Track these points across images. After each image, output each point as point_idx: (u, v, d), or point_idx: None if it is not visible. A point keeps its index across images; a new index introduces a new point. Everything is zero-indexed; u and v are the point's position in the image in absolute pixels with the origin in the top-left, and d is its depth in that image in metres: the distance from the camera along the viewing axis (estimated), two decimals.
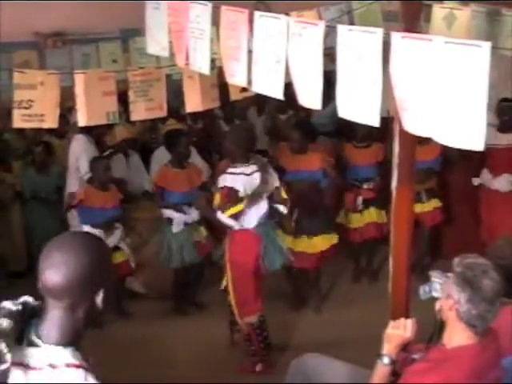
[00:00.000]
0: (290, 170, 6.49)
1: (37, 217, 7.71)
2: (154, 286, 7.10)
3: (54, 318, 2.06)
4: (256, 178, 5.46)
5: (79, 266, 2.02)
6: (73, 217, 6.99)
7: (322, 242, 6.63)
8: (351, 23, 5.61)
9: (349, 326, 6.14)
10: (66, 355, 2.01)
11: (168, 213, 6.60)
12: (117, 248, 6.52)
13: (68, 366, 1.99)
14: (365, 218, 7.21)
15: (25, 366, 1.98)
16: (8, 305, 2.06)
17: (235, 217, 5.44)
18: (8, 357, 1.92)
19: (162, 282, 6.95)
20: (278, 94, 3.34)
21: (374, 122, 2.89)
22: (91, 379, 1.99)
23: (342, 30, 2.99)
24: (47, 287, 2.04)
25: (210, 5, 3.79)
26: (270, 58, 3.33)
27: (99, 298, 2.10)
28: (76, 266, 2.01)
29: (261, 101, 8.50)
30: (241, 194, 5.40)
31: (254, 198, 5.44)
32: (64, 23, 9.31)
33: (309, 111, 7.16)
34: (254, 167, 5.49)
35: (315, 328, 6.30)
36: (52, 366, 1.98)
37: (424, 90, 2.61)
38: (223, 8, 3.68)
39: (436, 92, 2.54)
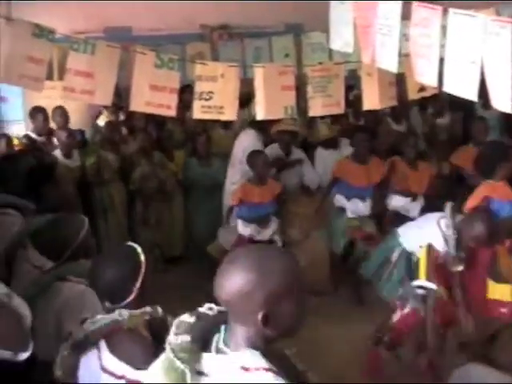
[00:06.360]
0: None
1: (196, 206, 7.77)
2: (311, 282, 7.01)
3: (234, 328, 2.02)
4: None
5: (245, 282, 1.93)
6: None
7: None
8: None
9: None
10: (256, 359, 1.96)
11: (341, 201, 6.61)
12: (270, 242, 6.52)
13: (258, 369, 1.94)
14: None
15: (215, 372, 1.97)
16: (186, 318, 2.06)
17: None
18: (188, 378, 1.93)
19: (318, 277, 6.84)
20: (473, 95, 3.23)
21: None
22: (281, 380, 1.93)
23: None
24: (221, 300, 2.00)
25: (400, 1, 3.72)
26: (465, 58, 3.23)
27: (283, 312, 1.99)
28: (242, 282, 1.94)
29: (424, 101, 8.27)
30: None
31: None
32: (229, 16, 9.51)
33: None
34: None
35: None
36: (244, 369, 1.94)
37: None
38: (415, 4, 3.60)
39: None
